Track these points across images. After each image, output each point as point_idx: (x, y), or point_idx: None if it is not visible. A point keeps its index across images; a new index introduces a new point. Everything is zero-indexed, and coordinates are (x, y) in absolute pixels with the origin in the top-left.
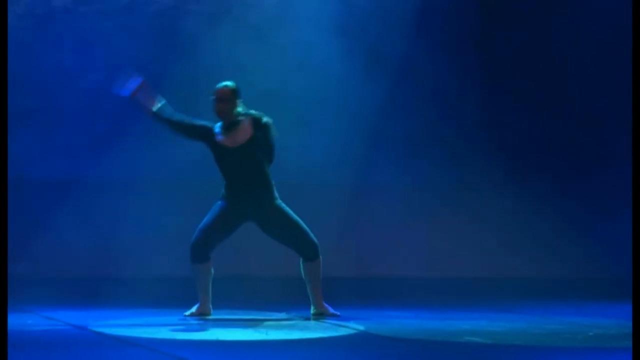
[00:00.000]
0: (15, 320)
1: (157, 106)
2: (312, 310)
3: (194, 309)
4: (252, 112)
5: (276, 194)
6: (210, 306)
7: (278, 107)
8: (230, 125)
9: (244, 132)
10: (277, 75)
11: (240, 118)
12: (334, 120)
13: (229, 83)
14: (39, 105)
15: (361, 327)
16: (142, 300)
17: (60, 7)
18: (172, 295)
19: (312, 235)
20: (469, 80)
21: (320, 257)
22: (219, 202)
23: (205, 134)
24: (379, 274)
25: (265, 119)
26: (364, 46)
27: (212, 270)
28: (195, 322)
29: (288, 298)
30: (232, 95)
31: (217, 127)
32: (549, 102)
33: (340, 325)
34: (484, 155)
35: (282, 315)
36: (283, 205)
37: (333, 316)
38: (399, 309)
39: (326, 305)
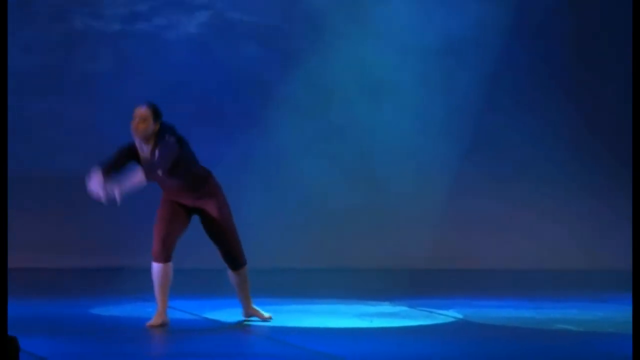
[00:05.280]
0: (137, 309)
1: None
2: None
3: None
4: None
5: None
6: None
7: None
8: None
9: None
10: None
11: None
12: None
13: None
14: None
15: (460, 316)
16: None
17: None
18: (282, 284)
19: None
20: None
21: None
22: None
23: None
24: (474, 266)
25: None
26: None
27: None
28: (302, 311)
29: (391, 289)
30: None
31: None
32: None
33: (441, 314)
34: (573, 151)
35: (386, 304)
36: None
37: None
38: (494, 299)
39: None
